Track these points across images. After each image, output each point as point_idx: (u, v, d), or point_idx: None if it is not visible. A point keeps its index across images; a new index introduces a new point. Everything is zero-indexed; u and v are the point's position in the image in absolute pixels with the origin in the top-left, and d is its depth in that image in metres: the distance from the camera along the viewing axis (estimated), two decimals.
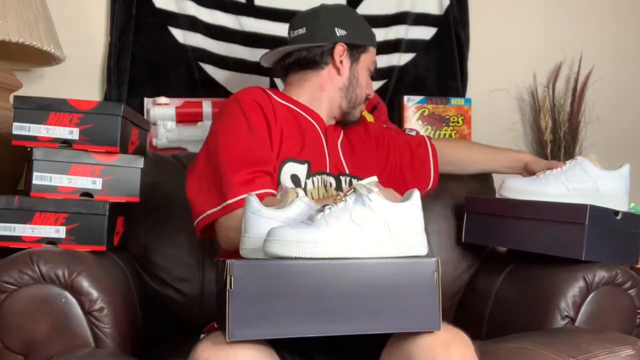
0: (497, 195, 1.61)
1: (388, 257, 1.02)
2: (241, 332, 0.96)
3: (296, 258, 0.98)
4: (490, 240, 1.67)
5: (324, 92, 1.53)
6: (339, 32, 1.52)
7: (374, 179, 1.09)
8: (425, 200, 1.68)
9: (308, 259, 0.98)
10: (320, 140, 1.50)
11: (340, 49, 1.52)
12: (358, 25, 1.57)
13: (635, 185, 1.60)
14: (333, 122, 1.58)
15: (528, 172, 1.66)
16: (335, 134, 1.56)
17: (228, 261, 0.96)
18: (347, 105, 1.55)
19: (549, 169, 1.57)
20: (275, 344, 1.10)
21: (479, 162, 1.76)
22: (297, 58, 1.53)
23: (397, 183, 1.62)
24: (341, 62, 1.53)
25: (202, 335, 1.12)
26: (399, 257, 1.03)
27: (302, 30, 1.54)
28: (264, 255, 1.01)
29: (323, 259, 0.99)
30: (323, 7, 1.58)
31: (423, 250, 1.06)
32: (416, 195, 1.07)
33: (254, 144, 1.37)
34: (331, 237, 0.99)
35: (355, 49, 1.54)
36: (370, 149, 1.63)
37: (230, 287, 0.95)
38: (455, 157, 1.75)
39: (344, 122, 1.58)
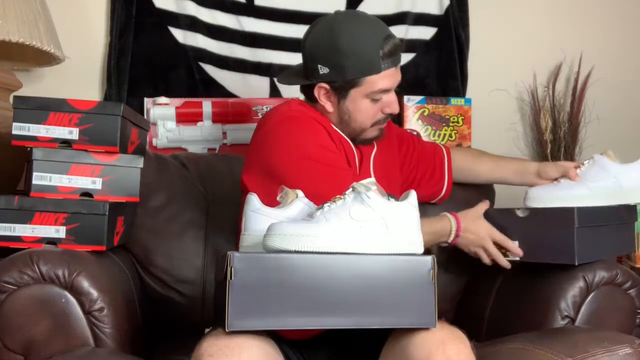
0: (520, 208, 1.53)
1: (385, 254, 1.03)
2: (240, 322, 0.97)
3: (295, 251, 0.99)
4: None
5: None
6: (322, 69, 1.36)
7: (372, 179, 1.10)
8: (424, 203, 1.68)
9: (307, 252, 1.00)
10: (353, 159, 1.46)
11: (319, 90, 1.40)
12: (347, 56, 1.34)
13: None
14: None
15: (543, 178, 1.57)
16: (369, 149, 1.51)
17: (229, 253, 0.98)
18: (350, 136, 1.46)
19: (564, 172, 1.53)
20: (277, 340, 1.10)
21: (487, 171, 1.69)
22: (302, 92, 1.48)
23: (410, 186, 1.60)
24: (329, 99, 1.41)
25: (206, 330, 1.12)
26: (396, 254, 1.04)
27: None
28: (264, 250, 1.02)
29: (321, 252, 1.00)
30: (309, 38, 1.40)
31: (419, 249, 1.07)
32: (413, 195, 1.08)
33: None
34: (330, 232, 1.01)
35: (340, 85, 1.38)
36: (393, 149, 1.61)
37: (231, 278, 0.97)
38: (463, 166, 1.70)
39: (362, 143, 1.49)
